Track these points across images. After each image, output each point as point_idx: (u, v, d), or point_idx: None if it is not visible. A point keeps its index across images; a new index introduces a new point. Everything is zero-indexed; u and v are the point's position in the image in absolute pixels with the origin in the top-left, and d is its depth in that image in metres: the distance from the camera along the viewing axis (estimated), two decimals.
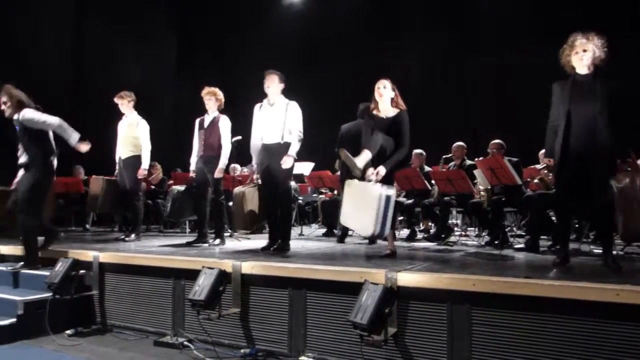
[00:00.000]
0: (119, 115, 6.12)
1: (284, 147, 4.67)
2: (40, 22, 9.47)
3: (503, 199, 5.34)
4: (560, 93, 3.57)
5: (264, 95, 4.84)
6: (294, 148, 4.68)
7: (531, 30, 8.96)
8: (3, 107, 4.60)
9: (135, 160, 5.94)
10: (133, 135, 5.98)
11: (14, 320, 3.96)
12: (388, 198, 3.82)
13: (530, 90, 8.29)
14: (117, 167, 6.15)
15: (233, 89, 10.31)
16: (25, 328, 3.98)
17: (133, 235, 5.95)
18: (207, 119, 5.52)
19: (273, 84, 4.75)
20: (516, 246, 5.14)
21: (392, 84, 4.29)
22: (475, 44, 10.02)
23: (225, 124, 5.44)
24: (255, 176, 5.17)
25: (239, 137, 5.85)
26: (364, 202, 3.89)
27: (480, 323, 2.95)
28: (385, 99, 4.26)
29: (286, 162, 4.59)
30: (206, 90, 5.55)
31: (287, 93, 4.83)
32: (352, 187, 4.14)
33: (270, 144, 4.74)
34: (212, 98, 5.50)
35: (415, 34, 10.73)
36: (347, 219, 4.29)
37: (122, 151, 6.03)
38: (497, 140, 5.83)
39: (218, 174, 5.34)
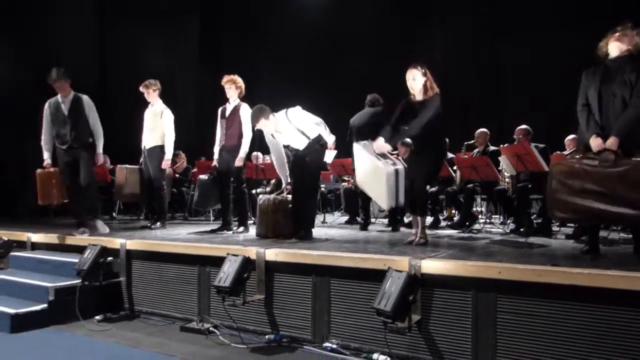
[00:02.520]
0: (144, 104, 6.16)
1: (313, 142, 4.73)
2: (65, 13, 9.60)
3: (529, 185, 5.25)
4: (591, 77, 3.50)
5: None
6: (327, 138, 4.77)
7: (562, 15, 8.72)
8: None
9: (159, 150, 5.94)
10: (158, 124, 5.98)
11: (45, 305, 4.08)
12: (397, 172, 3.98)
13: (557, 76, 8.15)
14: (142, 156, 6.21)
15: (256, 76, 10.37)
16: (57, 313, 4.10)
17: (159, 224, 6.02)
18: (229, 108, 5.54)
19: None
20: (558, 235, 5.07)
21: (422, 70, 4.17)
22: (497, 29, 9.85)
23: (245, 113, 5.42)
24: (284, 186, 5.22)
25: None
26: (374, 177, 4.07)
27: (506, 311, 2.92)
28: (417, 88, 4.18)
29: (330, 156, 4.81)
30: (226, 78, 5.55)
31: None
32: (361, 153, 4.27)
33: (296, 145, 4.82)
34: (232, 86, 5.49)
35: (439, 18, 10.58)
36: (362, 184, 4.48)
37: (147, 140, 6.03)
38: (524, 126, 5.71)
39: (239, 162, 5.36)
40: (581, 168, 3.20)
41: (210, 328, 3.88)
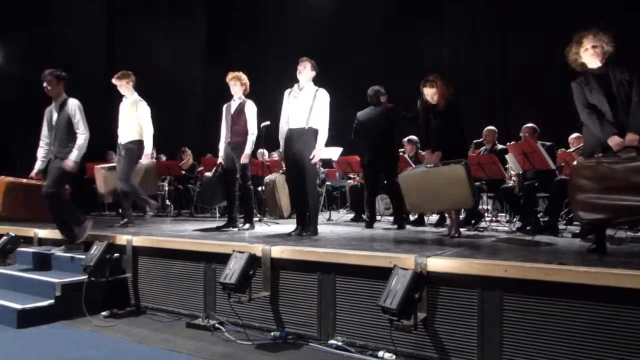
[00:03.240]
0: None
1: (308, 132, 4.69)
2: (73, 9, 9.64)
3: (536, 184, 5.23)
4: (584, 87, 3.59)
5: (294, 80, 4.84)
6: (322, 137, 4.72)
7: (571, 14, 8.66)
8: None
9: (137, 145, 5.72)
10: (133, 118, 5.75)
11: (52, 301, 4.11)
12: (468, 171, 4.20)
13: (564, 75, 8.09)
14: (117, 152, 5.96)
15: (263, 73, 10.37)
16: (63, 309, 4.12)
17: (126, 220, 5.81)
18: (234, 105, 5.53)
19: (305, 70, 4.77)
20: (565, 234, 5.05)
21: (437, 83, 4.60)
22: (506, 28, 9.81)
23: (251, 109, 5.43)
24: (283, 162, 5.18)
25: (268, 123, 5.87)
26: (447, 182, 4.18)
27: (512, 309, 2.91)
28: (436, 99, 4.63)
29: (315, 154, 4.67)
30: (230, 75, 5.53)
31: (319, 75, 4.83)
32: (417, 176, 4.40)
33: (295, 129, 4.76)
34: (237, 83, 5.49)
35: (446, 16, 10.54)
36: (423, 206, 4.65)
37: (122, 136, 5.81)
38: (530, 124, 5.70)
39: (244, 159, 5.37)
40: (604, 167, 3.20)
41: (216, 325, 3.89)
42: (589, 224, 4.69)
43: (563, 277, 2.76)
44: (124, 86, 5.85)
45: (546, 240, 4.44)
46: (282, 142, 4.94)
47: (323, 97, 4.74)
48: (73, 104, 4.72)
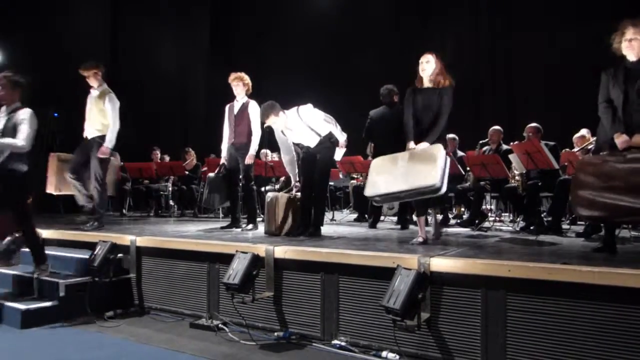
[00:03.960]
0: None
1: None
2: (76, 8, 9.67)
3: (539, 183, 5.22)
4: (612, 79, 3.49)
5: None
6: (338, 136, 4.79)
7: (578, 11, 8.64)
8: None
9: (102, 141, 5.30)
10: (100, 110, 5.37)
11: (56, 301, 4.12)
12: (446, 158, 3.78)
13: (572, 73, 8.08)
14: (79, 147, 5.49)
15: (266, 74, 10.37)
16: (67, 309, 4.12)
17: (96, 223, 5.29)
18: (237, 106, 5.53)
19: None
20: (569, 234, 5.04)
21: (437, 57, 4.14)
22: (513, 26, 9.79)
23: (254, 110, 5.40)
24: (293, 183, 5.21)
25: None
26: (422, 161, 3.79)
27: (516, 309, 2.91)
28: (428, 73, 4.13)
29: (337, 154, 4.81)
30: (233, 75, 5.52)
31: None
32: (395, 159, 4.02)
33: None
34: (240, 83, 5.48)
35: (451, 14, 10.54)
36: (388, 185, 3.96)
37: (89, 130, 5.41)
38: (534, 124, 5.68)
39: (249, 160, 5.37)
40: (608, 165, 3.17)
41: (220, 325, 3.89)
42: (587, 221, 4.67)
43: (567, 276, 2.76)
44: (92, 77, 5.40)
45: (550, 240, 4.44)
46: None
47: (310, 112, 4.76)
48: (25, 113, 4.24)
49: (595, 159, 3.34)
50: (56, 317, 4.06)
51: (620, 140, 3.31)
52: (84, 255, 4.52)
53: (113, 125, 5.33)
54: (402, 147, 4.67)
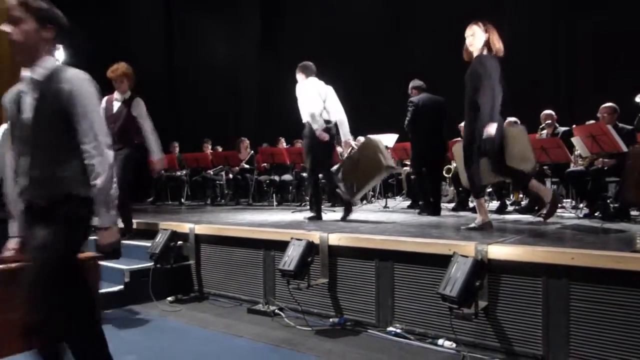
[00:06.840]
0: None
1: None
2: (132, 9, 9.98)
3: (605, 167, 4.96)
4: None
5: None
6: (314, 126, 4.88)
7: None
8: None
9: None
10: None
11: (122, 287, 4.32)
12: None
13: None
14: None
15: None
16: (132, 294, 4.32)
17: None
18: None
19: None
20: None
21: (484, 27, 3.85)
22: (568, 5, 9.32)
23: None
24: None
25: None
26: (514, 141, 4.11)
27: (580, 299, 2.79)
28: (477, 46, 3.87)
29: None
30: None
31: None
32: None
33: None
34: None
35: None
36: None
37: None
38: (610, 104, 5.27)
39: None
40: None
41: (276, 310, 3.97)
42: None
43: (637, 265, 2.61)
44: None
45: (616, 227, 4.22)
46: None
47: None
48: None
49: None
50: (123, 301, 4.26)
51: None
52: (146, 243, 4.71)
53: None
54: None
